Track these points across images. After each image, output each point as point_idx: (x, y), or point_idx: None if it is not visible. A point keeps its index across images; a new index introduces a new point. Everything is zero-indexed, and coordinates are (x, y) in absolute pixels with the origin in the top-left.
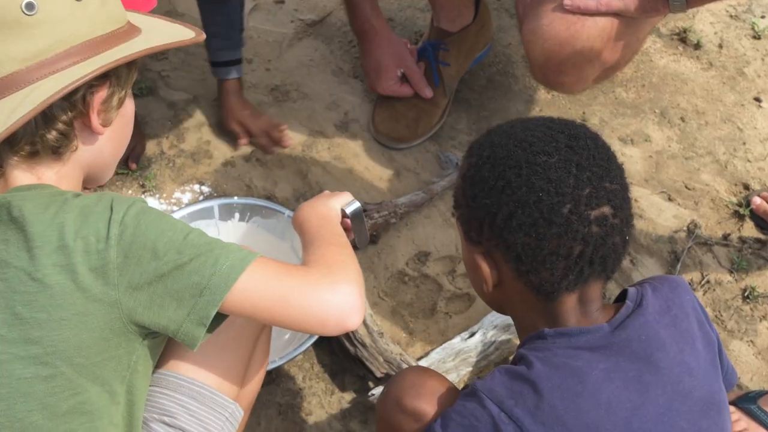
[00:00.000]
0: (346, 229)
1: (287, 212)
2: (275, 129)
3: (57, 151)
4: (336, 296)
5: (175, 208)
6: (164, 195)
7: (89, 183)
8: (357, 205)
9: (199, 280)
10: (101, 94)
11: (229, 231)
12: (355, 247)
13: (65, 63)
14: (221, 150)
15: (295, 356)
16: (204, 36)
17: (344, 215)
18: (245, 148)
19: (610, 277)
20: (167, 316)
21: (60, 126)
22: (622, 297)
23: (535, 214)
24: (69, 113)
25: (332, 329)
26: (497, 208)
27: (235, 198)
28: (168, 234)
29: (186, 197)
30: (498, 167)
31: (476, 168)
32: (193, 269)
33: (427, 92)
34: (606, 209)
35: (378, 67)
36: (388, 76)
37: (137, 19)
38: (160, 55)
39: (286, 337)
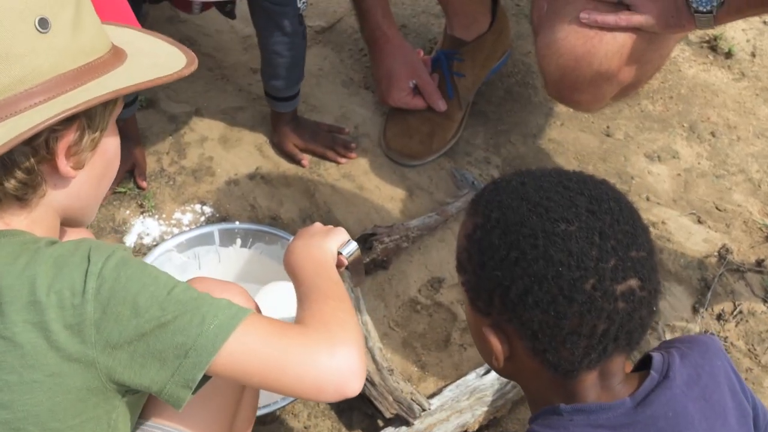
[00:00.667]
0: (340, 266)
1: (292, 238)
2: (338, 143)
3: (22, 199)
4: (334, 360)
5: (175, 230)
6: (164, 215)
7: (70, 225)
8: (353, 246)
9: (184, 340)
10: (67, 139)
11: (231, 257)
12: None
13: (24, 105)
14: (224, 167)
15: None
16: (195, 65)
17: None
18: (250, 165)
19: (635, 350)
20: (149, 376)
21: (19, 175)
22: (645, 361)
23: (555, 291)
24: (31, 159)
25: (330, 396)
26: (510, 282)
27: (237, 223)
28: (150, 288)
29: (186, 218)
30: (510, 235)
31: (484, 232)
32: (177, 328)
33: (441, 105)
34: (633, 282)
35: (389, 77)
36: (399, 87)
37: (126, 37)
38: None
39: None
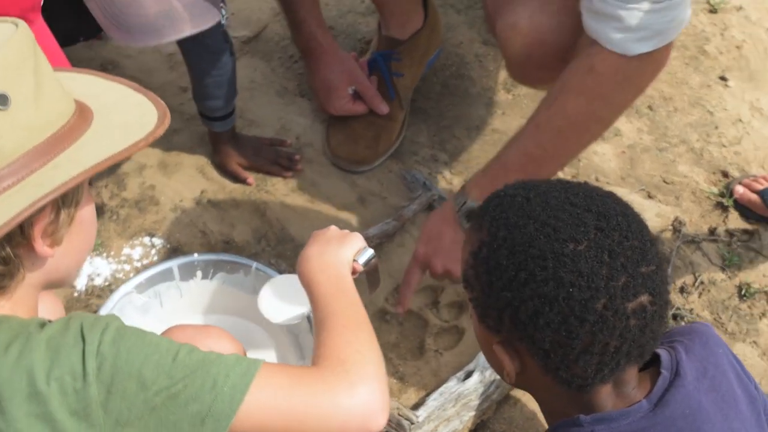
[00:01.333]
0: (355, 273)
1: (254, 265)
2: (282, 157)
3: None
4: (355, 400)
5: (126, 266)
6: (112, 253)
7: (51, 288)
8: (370, 253)
9: (198, 408)
10: (42, 222)
11: (193, 291)
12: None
13: None
14: (168, 194)
15: None
16: (168, 117)
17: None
18: (194, 189)
19: (647, 359)
20: None
21: None
22: (651, 359)
23: (566, 311)
24: (6, 249)
25: None
26: (520, 302)
27: (196, 255)
28: (153, 358)
29: (137, 253)
30: (518, 255)
31: (490, 250)
32: (189, 397)
33: (383, 108)
34: (644, 298)
35: (328, 87)
36: (339, 95)
37: (87, 88)
38: None
39: None
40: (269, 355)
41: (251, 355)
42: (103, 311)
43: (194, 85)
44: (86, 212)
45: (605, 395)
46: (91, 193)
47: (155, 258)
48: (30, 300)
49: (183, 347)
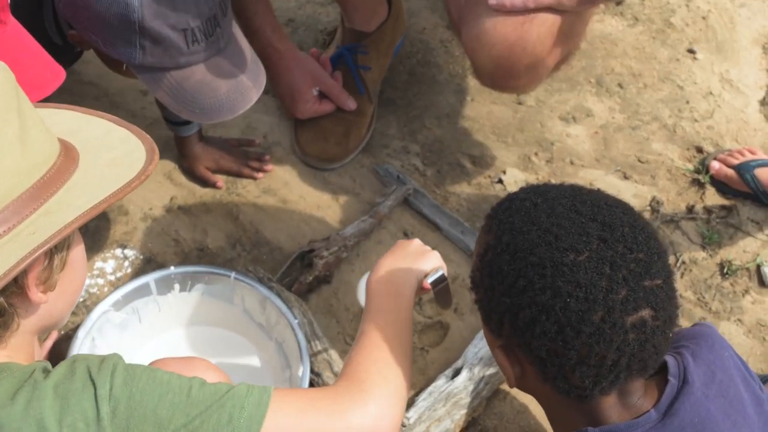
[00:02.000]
0: (425, 291)
1: (233, 274)
2: (251, 158)
3: None
4: (368, 420)
5: (99, 281)
6: None
7: (46, 332)
8: (440, 274)
9: None
10: (36, 270)
11: (171, 304)
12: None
13: None
14: (137, 203)
15: None
16: (157, 153)
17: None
18: (163, 196)
19: (651, 373)
20: None
21: None
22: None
23: (562, 321)
24: (0, 299)
25: None
26: (518, 309)
27: (172, 268)
28: (168, 397)
29: (109, 266)
30: (518, 262)
31: (494, 254)
32: None
33: (351, 104)
34: (645, 312)
35: (291, 92)
36: (304, 98)
37: (69, 124)
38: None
39: None
40: (253, 364)
41: (236, 366)
42: (82, 332)
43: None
44: (77, 253)
45: (609, 406)
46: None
47: (129, 270)
48: (26, 346)
49: (194, 382)
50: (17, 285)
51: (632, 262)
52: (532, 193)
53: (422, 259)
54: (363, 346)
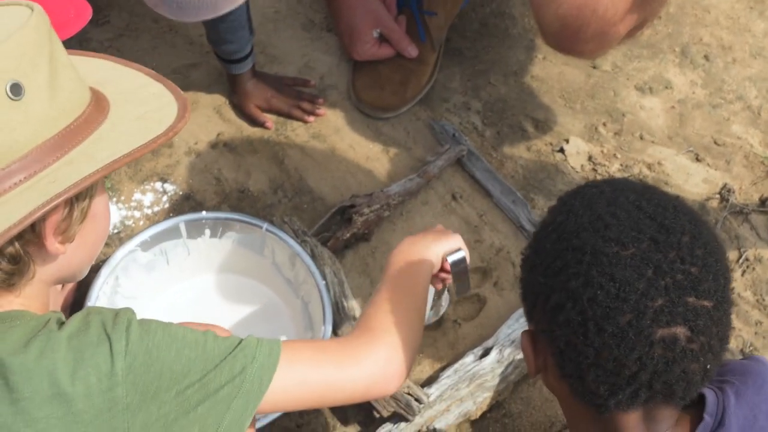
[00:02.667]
0: (445, 272)
1: (265, 225)
2: (304, 99)
3: (10, 285)
4: (377, 365)
5: (136, 213)
6: (123, 198)
7: (62, 282)
8: (461, 255)
9: (229, 391)
10: (55, 219)
11: (200, 249)
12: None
13: (3, 186)
14: (182, 135)
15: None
16: (189, 110)
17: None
18: (210, 131)
19: (684, 403)
20: None
21: (4, 265)
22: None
23: (587, 313)
24: (16, 245)
25: (373, 397)
26: (549, 292)
27: (204, 213)
28: (185, 352)
29: (147, 199)
30: (561, 242)
31: (544, 231)
32: (220, 384)
33: (412, 51)
34: (679, 330)
35: (351, 31)
36: (363, 39)
37: (103, 73)
38: (101, 18)
39: None
40: (277, 319)
41: (259, 318)
42: (105, 269)
43: (206, 29)
44: (99, 206)
45: (631, 426)
46: (105, 183)
47: (167, 205)
48: (42, 296)
49: (208, 336)
50: (34, 233)
51: (680, 273)
52: (606, 183)
53: (445, 239)
54: (375, 303)
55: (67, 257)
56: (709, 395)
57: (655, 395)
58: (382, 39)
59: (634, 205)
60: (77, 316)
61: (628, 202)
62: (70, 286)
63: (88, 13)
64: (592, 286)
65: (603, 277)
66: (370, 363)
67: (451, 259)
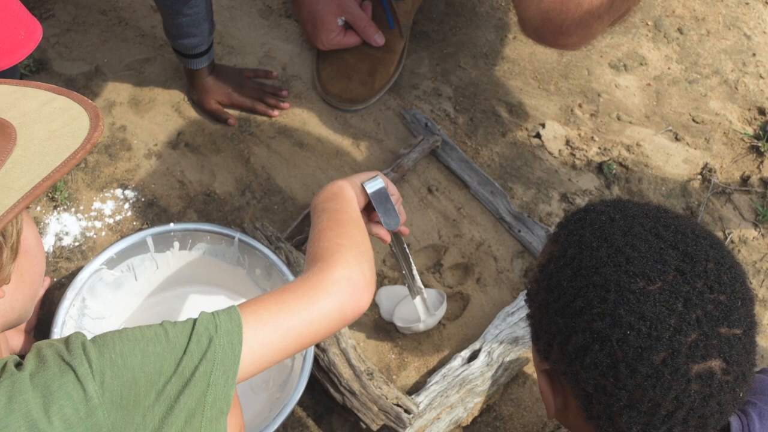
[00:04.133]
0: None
1: (237, 235)
2: (268, 92)
3: None
4: (339, 283)
5: (97, 223)
6: (81, 207)
7: (11, 328)
8: (378, 180)
9: (205, 368)
10: None
11: (170, 263)
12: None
13: None
14: (141, 137)
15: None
16: (101, 120)
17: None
18: (170, 131)
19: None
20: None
21: None
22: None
23: (618, 355)
24: None
25: (351, 319)
26: (571, 332)
27: (171, 225)
28: (150, 349)
29: (108, 207)
30: (580, 279)
31: (556, 267)
32: (194, 363)
33: (379, 39)
34: (715, 363)
35: (314, 19)
36: (327, 28)
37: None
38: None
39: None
40: None
41: None
42: (71, 292)
43: (164, 22)
44: (30, 238)
45: None
46: (29, 212)
47: (129, 213)
48: None
49: (165, 325)
50: None
51: (710, 303)
52: (611, 206)
53: (358, 174)
54: (313, 239)
55: (7, 300)
56: (734, 421)
57: (688, 429)
58: (347, 27)
59: (652, 234)
60: (30, 356)
61: (645, 231)
62: (45, 284)
63: (38, 32)
64: (621, 325)
65: (632, 316)
66: (334, 289)
67: (368, 186)
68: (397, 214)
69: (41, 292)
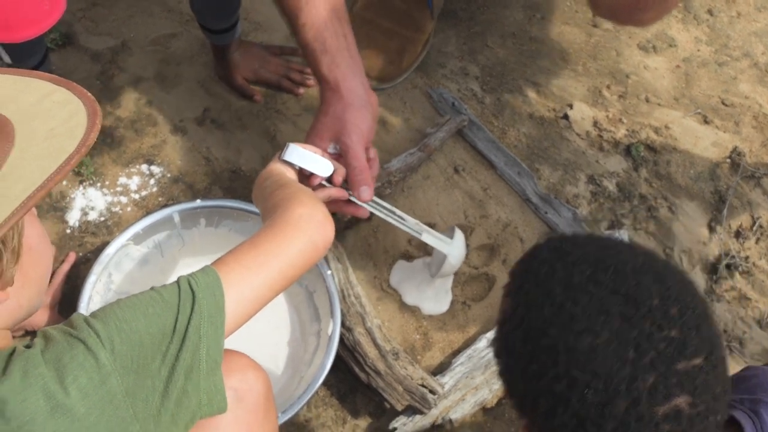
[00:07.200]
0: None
1: None
2: (294, 69)
3: None
4: (303, 228)
5: (123, 199)
6: (107, 183)
7: (21, 323)
8: (290, 146)
9: (196, 322)
10: None
11: (196, 240)
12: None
13: None
14: (167, 112)
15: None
16: (99, 115)
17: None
18: (196, 107)
19: None
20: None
21: None
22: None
23: (582, 414)
24: None
25: (323, 250)
26: (535, 395)
27: (198, 201)
28: (150, 310)
29: (134, 183)
30: (530, 343)
31: (509, 327)
32: (187, 320)
33: (365, 196)
34: (680, 401)
35: (312, 129)
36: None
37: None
38: None
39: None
40: (280, 311)
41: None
42: (97, 267)
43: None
44: (33, 237)
45: None
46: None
47: (155, 189)
48: (2, 340)
49: (157, 288)
50: None
51: (662, 341)
52: (554, 252)
53: (271, 163)
54: (263, 210)
55: (13, 300)
56: (746, 423)
57: None
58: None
59: (592, 281)
60: (37, 338)
61: (585, 279)
62: (70, 258)
63: (62, 3)
64: (577, 386)
65: (586, 375)
66: (300, 224)
67: (285, 155)
68: (325, 159)
69: (66, 267)
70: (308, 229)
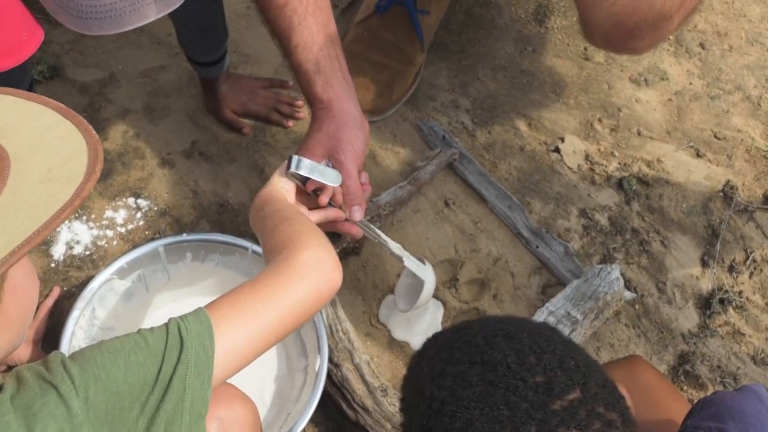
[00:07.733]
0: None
1: (251, 247)
2: (283, 102)
3: None
4: (309, 274)
5: (109, 232)
6: (93, 216)
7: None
8: (294, 158)
9: (181, 371)
10: None
11: (182, 274)
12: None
13: None
14: (155, 145)
15: None
16: (100, 164)
17: (302, 181)
18: (184, 140)
19: None
20: None
21: None
22: None
23: None
24: None
25: (327, 299)
26: None
27: (184, 235)
28: (132, 358)
29: (120, 216)
30: None
31: (403, 411)
32: (172, 368)
33: (355, 215)
34: None
35: (304, 144)
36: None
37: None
38: None
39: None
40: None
41: None
42: (81, 302)
43: (176, 30)
44: (18, 278)
45: None
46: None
47: (141, 223)
48: None
49: (143, 333)
50: None
51: (530, 390)
52: (417, 354)
53: (273, 178)
54: (263, 240)
55: None
56: None
57: None
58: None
59: (450, 364)
60: (9, 380)
61: (444, 365)
62: (54, 293)
63: (40, 34)
64: None
65: None
66: (305, 271)
67: (293, 166)
68: (333, 168)
69: (50, 301)
70: (314, 276)
